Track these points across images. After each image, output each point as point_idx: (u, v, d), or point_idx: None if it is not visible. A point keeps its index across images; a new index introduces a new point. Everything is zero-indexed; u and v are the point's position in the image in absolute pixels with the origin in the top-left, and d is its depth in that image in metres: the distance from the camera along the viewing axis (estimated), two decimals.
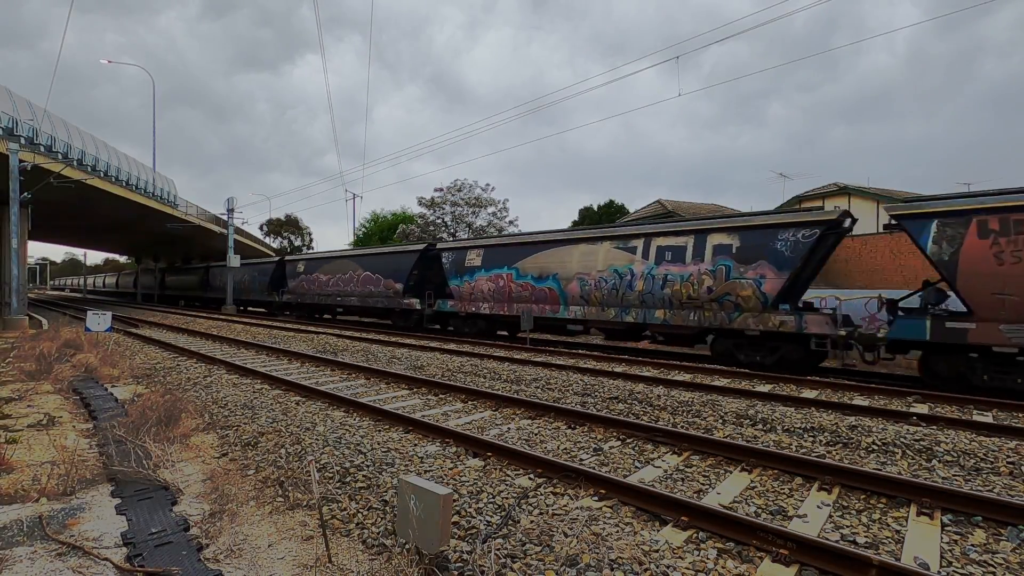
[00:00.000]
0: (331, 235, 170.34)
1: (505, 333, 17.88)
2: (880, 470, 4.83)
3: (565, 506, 3.99)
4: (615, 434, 6.01)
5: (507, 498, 4.11)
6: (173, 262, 52.45)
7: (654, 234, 12.81)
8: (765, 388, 8.60)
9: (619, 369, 10.34)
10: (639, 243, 12.97)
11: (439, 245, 19.01)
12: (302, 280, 25.50)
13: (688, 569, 3.15)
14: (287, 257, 28.58)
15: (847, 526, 3.83)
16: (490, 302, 16.29)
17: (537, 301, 15.09)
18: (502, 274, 15.92)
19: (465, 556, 3.23)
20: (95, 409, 7.16)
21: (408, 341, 15.16)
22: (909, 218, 9.11)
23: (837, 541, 3.48)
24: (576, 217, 45.69)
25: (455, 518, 3.71)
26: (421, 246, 19.74)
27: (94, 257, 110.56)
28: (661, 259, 12.42)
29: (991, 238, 8.23)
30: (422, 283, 19.59)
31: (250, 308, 34.55)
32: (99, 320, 13.20)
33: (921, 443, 5.56)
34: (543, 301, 14.95)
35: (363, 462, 4.84)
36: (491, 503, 4.02)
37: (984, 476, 4.82)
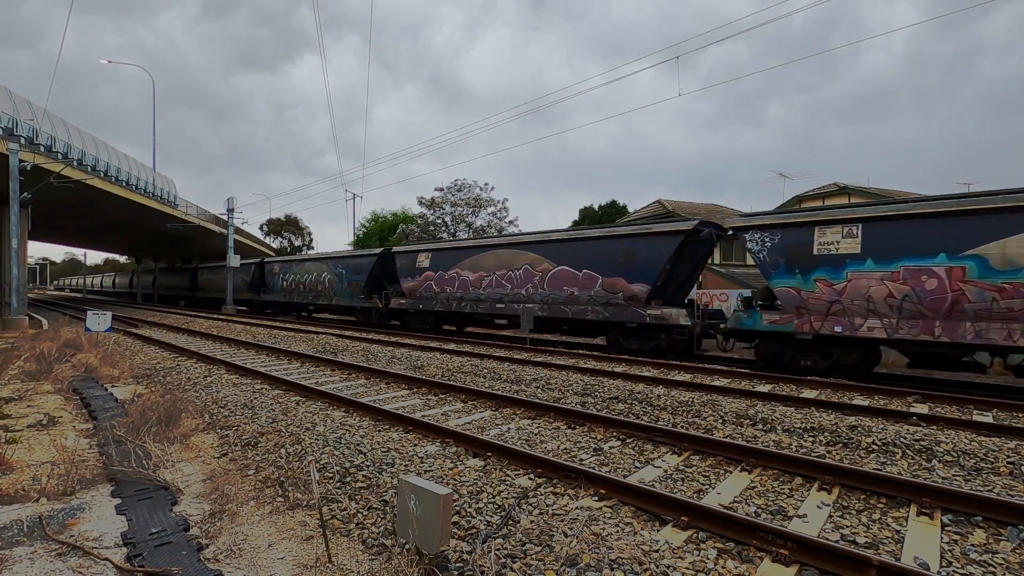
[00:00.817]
0: (331, 235, 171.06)
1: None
2: (880, 470, 4.83)
3: (565, 506, 3.99)
4: (615, 434, 6.01)
5: (507, 498, 4.11)
6: (173, 262, 52.07)
7: None
8: (765, 388, 8.60)
9: (619, 369, 10.34)
10: None
11: (732, 221, 11.98)
12: (427, 279, 18.42)
13: (688, 569, 3.15)
14: (397, 249, 21.16)
15: (847, 526, 3.83)
16: (891, 316, 9.30)
17: None
18: (932, 268, 8.90)
19: (465, 556, 3.23)
20: (95, 409, 7.16)
21: (408, 341, 15.16)
22: None
23: (837, 541, 3.48)
24: (576, 217, 45.72)
25: (455, 518, 3.71)
26: (686, 225, 12.66)
27: (94, 257, 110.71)
28: None
29: None
30: (669, 283, 13.35)
31: (316, 315, 27.59)
32: (99, 320, 13.22)
33: (921, 443, 5.56)
34: None
35: (363, 462, 4.84)
36: (491, 503, 4.02)
37: (984, 476, 4.82)
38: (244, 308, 33.23)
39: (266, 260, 30.72)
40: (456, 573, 3.09)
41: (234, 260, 31.81)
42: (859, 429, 6.05)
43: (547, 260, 14.96)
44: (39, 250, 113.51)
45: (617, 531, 3.56)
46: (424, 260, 18.83)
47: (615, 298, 13.31)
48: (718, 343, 12.36)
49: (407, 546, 3.21)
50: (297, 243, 63.00)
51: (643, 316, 12.72)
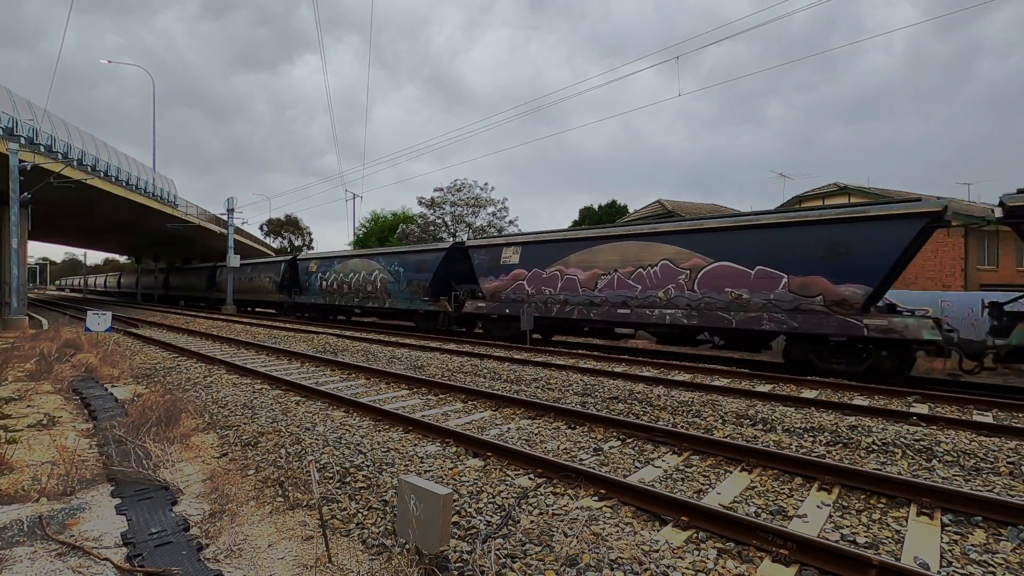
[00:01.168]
0: (331, 235, 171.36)
1: None
2: (880, 470, 4.83)
3: (565, 506, 3.99)
4: (615, 434, 6.01)
5: (507, 498, 4.11)
6: (173, 262, 51.95)
7: None
8: (765, 388, 8.60)
9: (619, 369, 10.34)
10: None
11: (1012, 198, 8.85)
12: (516, 279, 15.45)
13: (688, 569, 3.15)
14: (473, 242, 17.71)
15: (847, 526, 3.83)
16: None
17: None
18: None
19: (465, 556, 3.23)
20: (95, 409, 7.16)
21: (408, 341, 15.16)
22: None
23: (837, 541, 3.48)
24: (576, 217, 45.75)
25: (455, 518, 3.71)
26: (930, 205, 9.30)
27: (94, 257, 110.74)
28: None
29: None
30: (886, 284, 10.13)
31: (355, 319, 25.36)
32: (99, 320, 13.22)
33: (921, 443, 5.56)
34: None
35: (363, 462, 4.84)
36: (491, 503, 4.02)
37: (984, 476, 4.82)
38: (272, 311, 30.72)
39: (299, 257, 27.57)
40: (456, 573, 3.09)
41: (234, 260, 31.79)
42: (859, 429, 6.05)
43: (697, 254, 11.64)
44: (39, 250, 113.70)
45: (617, 531, 3.56)
46: (512, 255, 15.68)
47: (809, 303, 10.09)
48: (959, 363, 9.56)
49: (407, 546, 3.21)
50: (297, 243, 63.12)
51: (858, 327, 9.53)
